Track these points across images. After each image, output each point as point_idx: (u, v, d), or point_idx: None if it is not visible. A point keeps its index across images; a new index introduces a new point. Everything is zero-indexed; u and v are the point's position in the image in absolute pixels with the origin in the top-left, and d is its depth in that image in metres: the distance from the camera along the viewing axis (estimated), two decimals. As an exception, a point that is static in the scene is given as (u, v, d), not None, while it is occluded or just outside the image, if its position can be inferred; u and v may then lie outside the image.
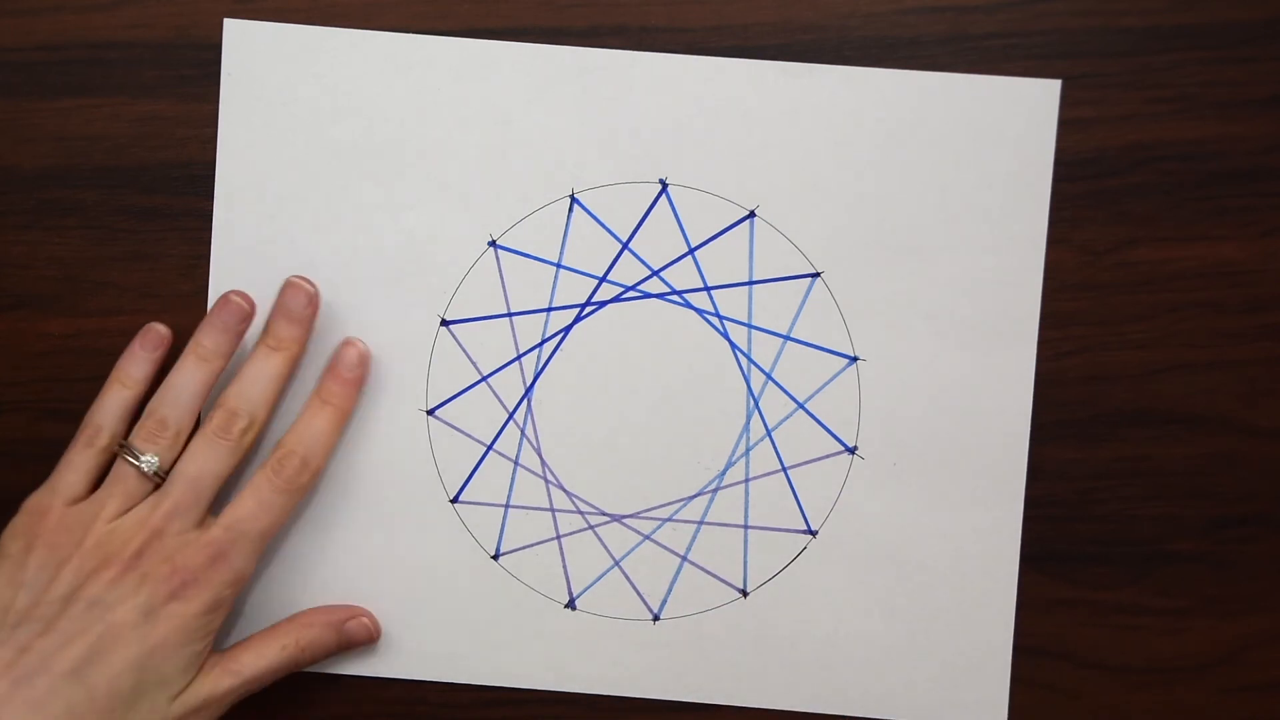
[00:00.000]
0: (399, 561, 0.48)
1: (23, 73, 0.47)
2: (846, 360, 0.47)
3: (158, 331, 0.46)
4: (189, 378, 0.44)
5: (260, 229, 0.47)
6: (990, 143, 0.46)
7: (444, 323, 0.47)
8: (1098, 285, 0.47)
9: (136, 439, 0.44)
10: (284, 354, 0.45)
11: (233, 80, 0.47)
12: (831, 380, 0.47)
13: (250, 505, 0.44)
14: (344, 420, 0.46)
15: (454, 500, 0.48)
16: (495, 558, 0.48)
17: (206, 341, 0.45)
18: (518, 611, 0.48)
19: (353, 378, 0.46)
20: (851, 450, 0.47)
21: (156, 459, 0.43)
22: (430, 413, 0.48)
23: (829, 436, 0.47)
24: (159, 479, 0.44)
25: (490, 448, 0.48)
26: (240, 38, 0.47)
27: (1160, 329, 0.47)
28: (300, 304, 0.45)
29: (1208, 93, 0.47)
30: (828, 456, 0.47)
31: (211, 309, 0.45)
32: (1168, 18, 0.47)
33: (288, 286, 0.46)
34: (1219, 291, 0.47)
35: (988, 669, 0.47)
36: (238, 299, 0.45)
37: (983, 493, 0.47)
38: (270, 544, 0.47)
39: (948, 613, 0.47)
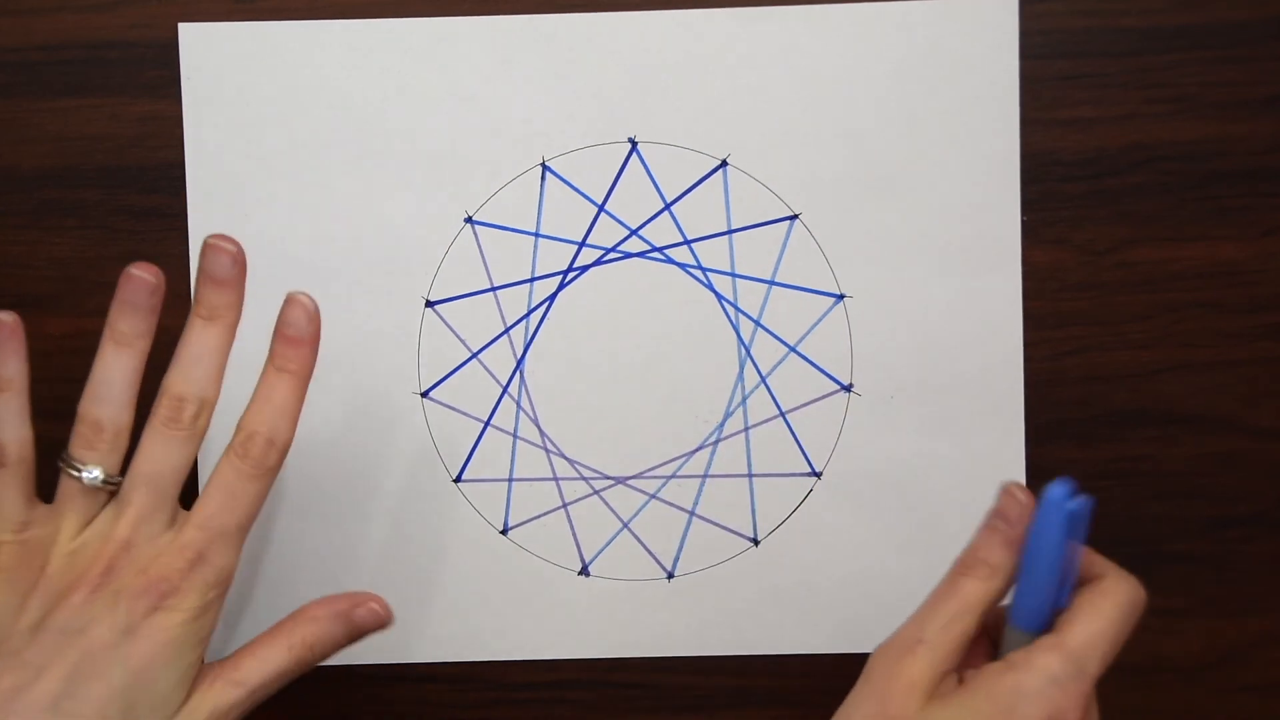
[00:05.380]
0: (407, 547, 0.48)
1: (23, 73, 0.47)
2: (833, 299, 0.47)
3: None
4: (113, 369, 0.39)
5: (236, 229, 0.47)
6: (953, 65, 0.46)
7: (429, 304, 0.47)
8: (1098, 285, 0.47)
9: (74, 448, 0.39)
10: (220, 323, 0.40)
11: (193, 84, 0.47)
12: (820, 320, 0.47)
13: (220, 498, 0.39)
14: (305, 386, 0.40)
15: (457, 480, 0.48)
16: (504, 533, 0.48)
17: (122, 325, 0.40)
18: (532, 584, 0.48)
19: (306, 337, 0.40)
20: (847, 388, 0.47)
21: (99, 470, 0.39)
22: (424, 395, 0.48)
23: (824, 377, 0.47)
24: (110, 487, 0.39)
25: (488, 424, 0.48)
26: (196, 41, 0.47)
27: (1160, 329, 0.47)
28: (225, 265, 0.40)
29: (1208, 93, 0.47)
30: (824, 397, 0.47)
31: (118, 287, 0.40)
32: (1168, 18, 0.47)
33: (207, 249, 0.40)
34: (1219, 291, 0.47)
35: None
36: (139, 271, 0.40)
37: (982, 416, 0.47)
38: (274, 540, 0.47)
39: (959, 540, 0.47)
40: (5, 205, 0.48)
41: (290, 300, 0.40)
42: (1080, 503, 0.37)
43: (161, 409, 0.39)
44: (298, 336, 0.40)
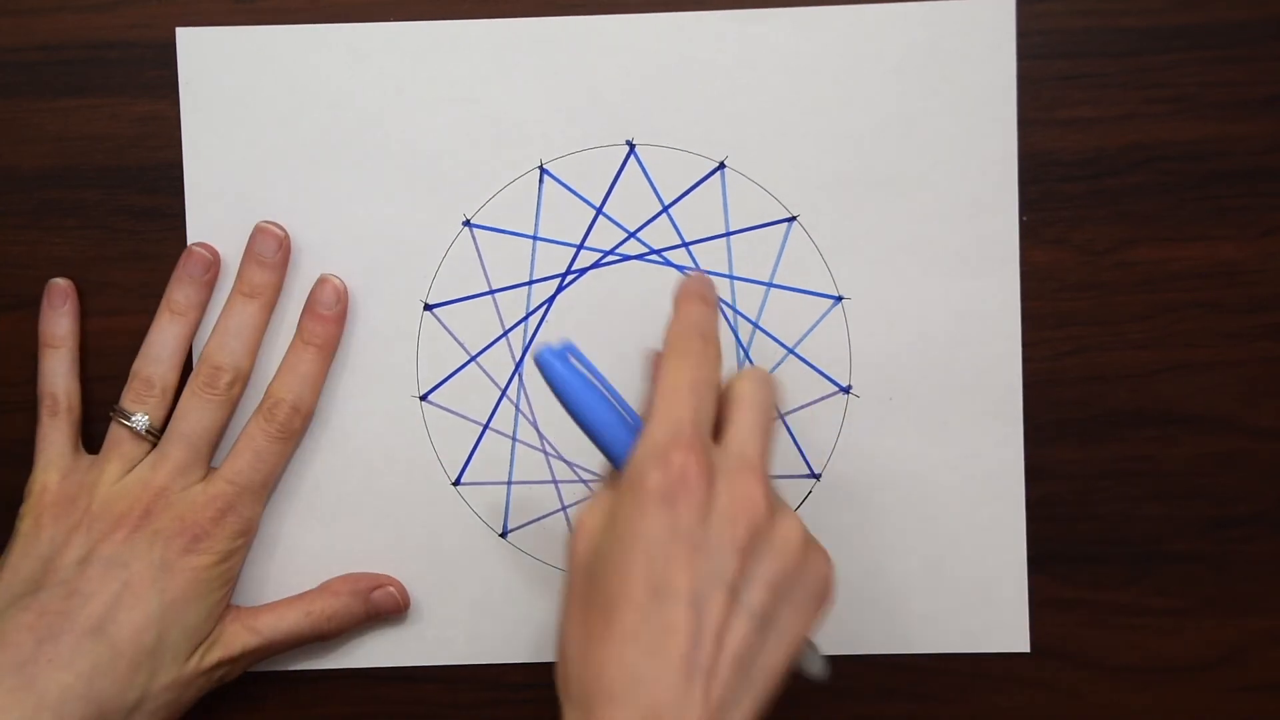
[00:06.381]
0: (407, 550, 0.48)
1: (23, 73, 0.47)
2: (832, 301, 0.47)
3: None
4: (166, 335, 0.45)
5: (235, 233, 0.47)
6: (951, 67, 0.46)
7: (427, 307, 0.47)
8: (1098, 285, 0.47)
9: (125, 401, 0.45)
10: (259, 301, 0.45)
11: (191, 88, 0.47)
12: (819, 322, 0.47)
13: (247, 456, 0.45)
14: (329, 360, 0.46)
15: (456, 483, 0.48)
16: (504, 535, 0.48)
17: (177, 296, 0.45)
18: (532, 586, 0.48)
19: (332, 315, 0.46)
20: (846, 390, 0.47)
21: (146, 417, 0.44)
22: (423, 398, 0.48)
23: (822, 378, 0.47)
24: (153, 438, 0.45)
25: (486, 427, 0.48)
26: (195, 45, 0.47)
27: (1160, 329, 0.47)
28: (270, 249, 0.46)
29: (1208, 93, 0.47)
30: (823, 398, 0.47)
31: (178, 263, 0.46)
32: (1168, 18, 0.47)
33: (257, 232, 0.46)
34: (1219, 291, 0.47)
35: (1005, 589, 0.47)
36: (200, 250, 0.46)
37: (981, 415, 0.47)
38: (274, 543, 0.47)
39: (959, 540, 0.47)
40: (5, 205, 0.48)
41: (321, 281, 0.46)
42: (566, 345, 0.39)
43: (200, 375, 0.45)
44: (325, 314, 0.46)
